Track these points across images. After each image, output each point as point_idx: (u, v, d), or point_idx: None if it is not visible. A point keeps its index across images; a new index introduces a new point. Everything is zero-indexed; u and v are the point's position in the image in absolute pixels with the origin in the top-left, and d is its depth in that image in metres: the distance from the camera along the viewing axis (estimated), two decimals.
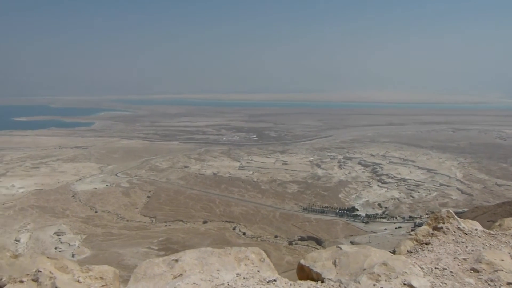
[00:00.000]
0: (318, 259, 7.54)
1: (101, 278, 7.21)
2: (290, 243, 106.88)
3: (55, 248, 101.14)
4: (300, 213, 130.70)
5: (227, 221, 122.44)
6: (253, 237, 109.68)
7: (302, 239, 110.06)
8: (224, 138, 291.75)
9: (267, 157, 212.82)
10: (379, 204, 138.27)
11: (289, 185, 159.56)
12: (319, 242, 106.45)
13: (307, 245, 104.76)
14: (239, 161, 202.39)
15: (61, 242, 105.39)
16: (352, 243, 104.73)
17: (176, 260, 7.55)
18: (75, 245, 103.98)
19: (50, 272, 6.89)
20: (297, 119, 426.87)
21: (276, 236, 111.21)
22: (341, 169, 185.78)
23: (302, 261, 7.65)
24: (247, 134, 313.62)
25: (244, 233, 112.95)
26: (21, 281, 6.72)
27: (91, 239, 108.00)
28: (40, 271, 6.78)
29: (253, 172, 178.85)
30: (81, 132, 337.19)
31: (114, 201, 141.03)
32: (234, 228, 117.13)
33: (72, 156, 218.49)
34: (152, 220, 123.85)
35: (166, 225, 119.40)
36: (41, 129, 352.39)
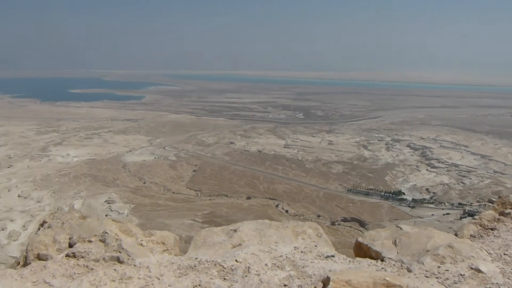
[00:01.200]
0: (377, 238, 7.33)
1: (163, 243, 7.43)
2: (333, 224, 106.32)
3: (106, 215, 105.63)
4: (344, 194, 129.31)
5: (270, 198, 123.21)
6: (296, 215, 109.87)
7: (345, 220, 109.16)
8: (270, 116, 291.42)
9: (313, 136, 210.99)
10: (427, 189, 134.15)
11: (334, 165, 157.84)
12: (362, 224, 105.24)
13: (350, 227, 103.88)
14: (284, 139, 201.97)
15: (111, 210, 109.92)
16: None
17: (235, 230, 7.61)
18: (124, 213, 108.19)
19: (116, 234, 7.18)
20: (345, 98, 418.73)
21: (318, 216, 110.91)
22: (388, 151, 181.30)
23: (360, 239, 7.48)
24: (293, 112, 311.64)
25: (286, 211, 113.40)
26: (90, 241, 7.08)
27: (139, 208, 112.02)
28: (107, 233, 7.11)
29: (298, 151, 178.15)
30: (131, 105, 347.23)
31: (161, 173, 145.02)
32: (277, 206, 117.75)
33: (123, 128, 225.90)
34: (197, 194, 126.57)
35: (210, 199, 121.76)
36: (94, 101, 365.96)
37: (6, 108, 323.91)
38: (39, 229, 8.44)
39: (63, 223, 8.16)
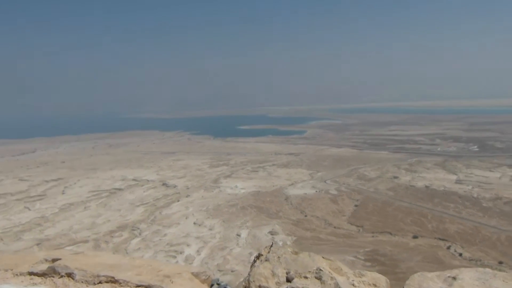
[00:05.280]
0: None
1: (374, 285, 7.41)
2: None
3: None
4: None
5: (440, 239, 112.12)
6: (471, 259, 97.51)
7: None
8: (438, 149, 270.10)
9: (491, 171, 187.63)
10: None
11: None
12: None
13: None
14: (455, 174, 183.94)
15: (274, 241, 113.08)
16: None
17: (454, 278, 6.86)
18: (286, 245, 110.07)
19: (330, 271, 7.46)
20: None
21: (500, 262, 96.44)
22: None
23: None
24: (466, 144, 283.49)
25: (460, 254, 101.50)
26: (306, 277, 7.45)
27: (300, 241, 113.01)
28: (321, 270, 7.44)
29: (472, 187, 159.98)
30: (294, 139, 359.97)
31: (322, 207, 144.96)
32: (448, 247, 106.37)
33: (286, 162, 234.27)
34: (359, 230, 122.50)
35: (373, 236, 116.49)
36: (260, 136, 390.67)
37: (186, 144, 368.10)
38: (255, 261, 9.12)
39: (279, 257, 8.67)
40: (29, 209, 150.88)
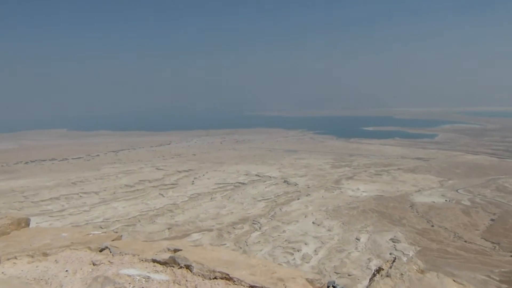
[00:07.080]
0: None
1: None
2: None
3: (390, 254, 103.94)
4: None
5: None
6: None
7: None
8: None
9: None
10: None
11: None
12: None
13: None
14: None
15: (395, 249, 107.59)
16: None
17: None
18: (409, 255, 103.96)
19: None
20: None
21: None
22: None
23: None
24: None
25: None
26: None
27: (425, 252, 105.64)
28: None
29: None
30: (422, 143, 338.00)
31: (452, 218, 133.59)
32: None
33: (412, 167, 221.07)
34: (495, 247, 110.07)
35: (511, 256, 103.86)
36: (385, 138, 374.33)
37: (308, 143, 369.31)
38: (374, 275, 8.60)
39: (402, 274, 8.05)
40: (163, 196, 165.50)
